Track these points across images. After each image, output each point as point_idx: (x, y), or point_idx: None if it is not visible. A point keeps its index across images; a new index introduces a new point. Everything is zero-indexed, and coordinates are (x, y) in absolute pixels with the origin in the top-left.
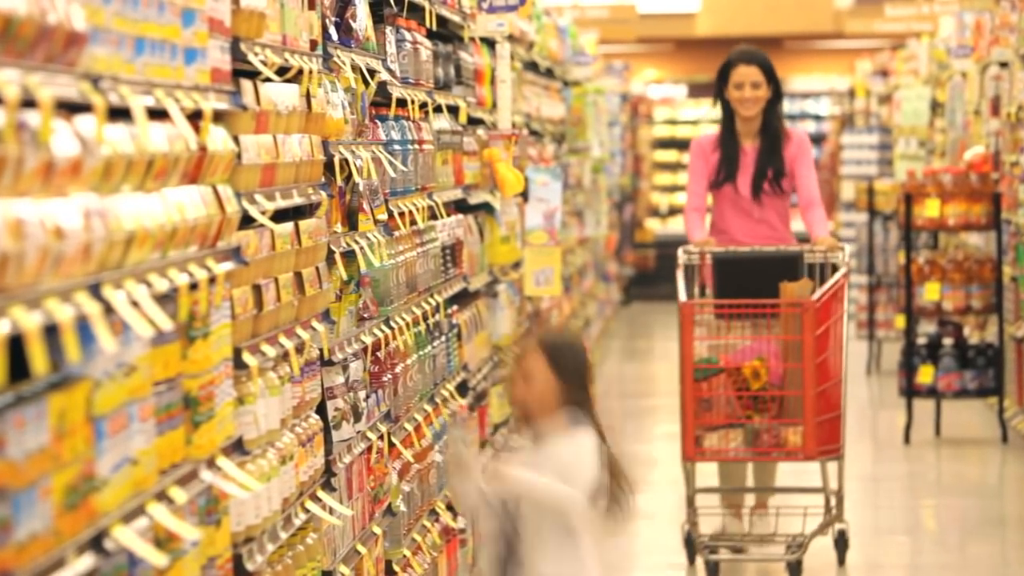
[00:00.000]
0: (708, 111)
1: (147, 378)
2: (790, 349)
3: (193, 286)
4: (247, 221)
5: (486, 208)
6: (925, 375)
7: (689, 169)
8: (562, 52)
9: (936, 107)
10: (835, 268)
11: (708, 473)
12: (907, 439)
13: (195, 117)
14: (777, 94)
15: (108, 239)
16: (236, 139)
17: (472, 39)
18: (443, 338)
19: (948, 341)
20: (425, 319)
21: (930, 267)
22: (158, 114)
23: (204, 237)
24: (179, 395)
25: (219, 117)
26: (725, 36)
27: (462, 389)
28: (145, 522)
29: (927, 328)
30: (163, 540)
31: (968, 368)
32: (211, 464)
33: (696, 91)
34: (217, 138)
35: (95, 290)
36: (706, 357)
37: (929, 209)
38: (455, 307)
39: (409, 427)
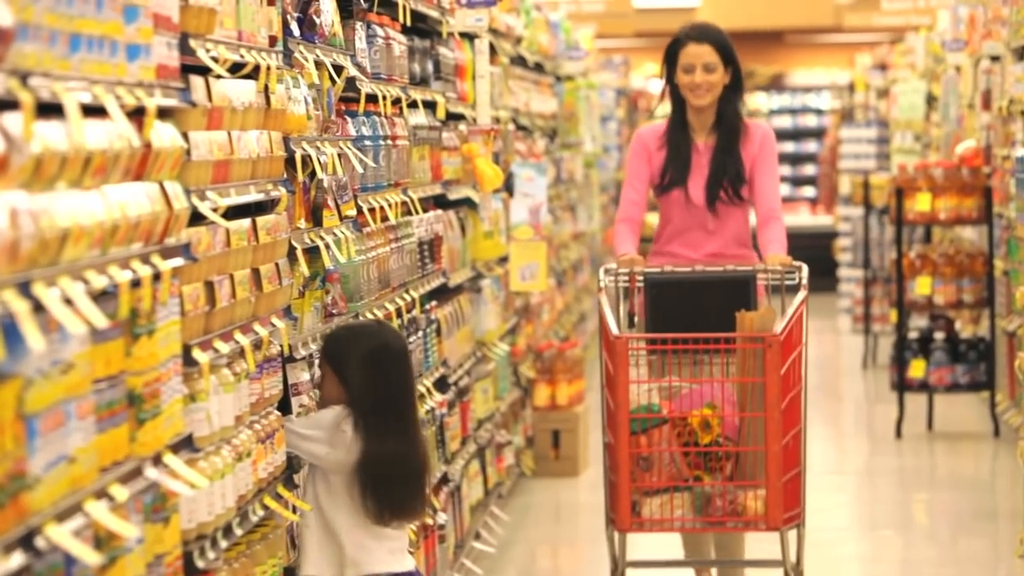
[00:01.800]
0: None
1: (86, 375)
2: (748, 393)
3: (136, 283)
4: (202, 218)
5: (468, 203)
6: (917, 369)
7: (627, 168)
8: (554, 47)
9: (932, 101)
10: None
11: (639, 543)
12: (899, 433)
13: (143, 113)
14: (736, 80)
15: (38, 237)
16: (186, 136)
17: (451, 34)
18: (420, 334)
19: (940, 335)
20: (400, 315)
21: (921, 261)
22: (102, 111)
23: (149, 234)
24: (122, 392)
25: (168, 114)
26: (726, 30)
27: (441, 384)
28: (83, 520)
29: (919, 322)
30: (104, 538)
31: (960, 362)
32: (158, 461)
33: None
34: (164, 135)
35: (24, 288)
36: (645, 405)
37: (920, 203)
38: (434, 303)
39: None
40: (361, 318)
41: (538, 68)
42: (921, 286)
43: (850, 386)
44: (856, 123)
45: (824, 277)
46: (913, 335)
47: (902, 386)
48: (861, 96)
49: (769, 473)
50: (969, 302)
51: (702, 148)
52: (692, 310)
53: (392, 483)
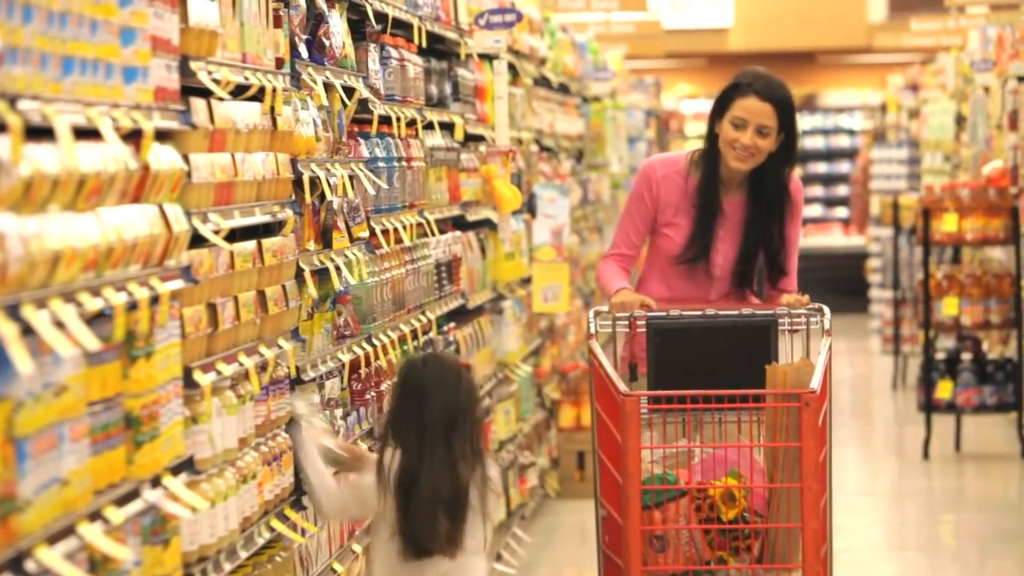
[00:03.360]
0: None
1: (80, 398)
2: (780, 460)
3: (133, 305)
4: (206, 240)
5: (488, 225)
6: (944, 390)
7: (627, 202)
8: (580, 68)
9: (961, 121)
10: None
11: None
12: (926, 454)
13: (141, 136)
14: (788, 148)
15: (27, 259)
16: (186, 158)
17: (469, 56)
18: None
19: (967, 356)
20: (415, 336)
21: (948, 282)
22: (99, 134)
23: (148, 256)
24: (119, 414)
25: (168, 136)
26: (758, 51)
27: None
28: (76, 543)
29: (947, 343)
30: (99, 561)
31: (987, 383)
32: (156, 484)
33: None
34: (163, 157)
35: (13, 311)
36: (659, 474)
37: (947, 224)
38: (452, 324)
39: None
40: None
41: (563, 89)
42: (948, 307)
43: (880, 407)
44: (888, 143)
45: (856, 297)
46: (940, 356)
47: (929, 407)
48: (893, 117)
49: (807, 554)
50: (996, 323)
51: (730, 211)
52: (705, 361)
53: (416, 514)
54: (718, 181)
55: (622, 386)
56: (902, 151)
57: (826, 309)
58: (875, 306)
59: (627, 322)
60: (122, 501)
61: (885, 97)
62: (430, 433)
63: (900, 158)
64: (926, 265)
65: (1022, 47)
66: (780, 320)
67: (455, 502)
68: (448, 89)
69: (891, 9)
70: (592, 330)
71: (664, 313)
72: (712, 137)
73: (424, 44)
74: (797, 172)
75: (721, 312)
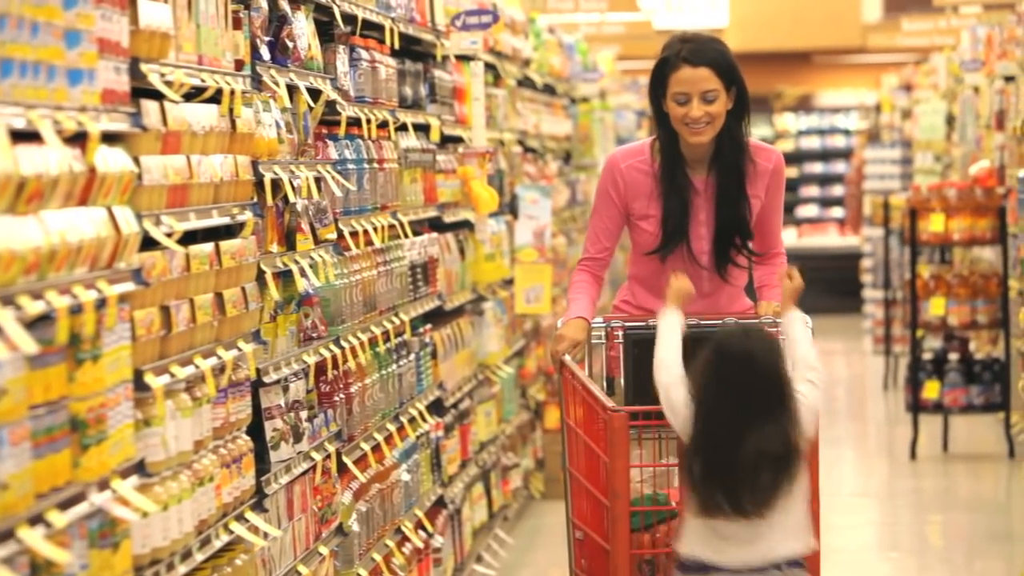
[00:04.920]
0: None
1: (20, 401)
2: None
3: (77, 308)
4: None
5: (468, 226)
6: (931, 391)
7: (594, 201)
8: (568, 69)
9: (952, 121)
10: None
11: None
12: (913, 455)
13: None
14: (740, 103)
15: None
16: (137, 160)
17: (446, 57)
18: (412, 356)
19: (954, 356)
20: (387, 338)
21: (935, 282)
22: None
23: (95, 259)
24: (64, 417)
25: (119, 138)
26: (753, 51)
27: (436, 407)
28: (15, 547)
29: (934, 343)
30: (42, 565)
31: (974, 383)
32: (104, 487)
33: None
34: (111, 159)
35: None
36: (649, 494)
37: (934, 224)
38: (428, 326)
39: (366, 446)
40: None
41: (550, 90)
42: (935, 307)
43: (871, 407)
44: (881, 144)
45: (851, 298)
46: (928, 356)
47: (916, 407)
48: (887, 117)
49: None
50: (983, 323)
51: (701, 188)
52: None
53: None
54: (681, 161)
55: (609, 402)
56: (895, 151)
57: (807, 318)
58: (868, 306)
59: (603, 333)
60: (67, 504)
61: (880, 97)
62: (760, 395)
63: (893, 158)
64: (913, 265)
65: (1010, 47)
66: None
67: (784, 459)
68: (424, 90)
69: (886, 9)
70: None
71: (643, 323)
72: (663, 118)
73: (396, 46)
74: (793, 172)
75: (702, 321)
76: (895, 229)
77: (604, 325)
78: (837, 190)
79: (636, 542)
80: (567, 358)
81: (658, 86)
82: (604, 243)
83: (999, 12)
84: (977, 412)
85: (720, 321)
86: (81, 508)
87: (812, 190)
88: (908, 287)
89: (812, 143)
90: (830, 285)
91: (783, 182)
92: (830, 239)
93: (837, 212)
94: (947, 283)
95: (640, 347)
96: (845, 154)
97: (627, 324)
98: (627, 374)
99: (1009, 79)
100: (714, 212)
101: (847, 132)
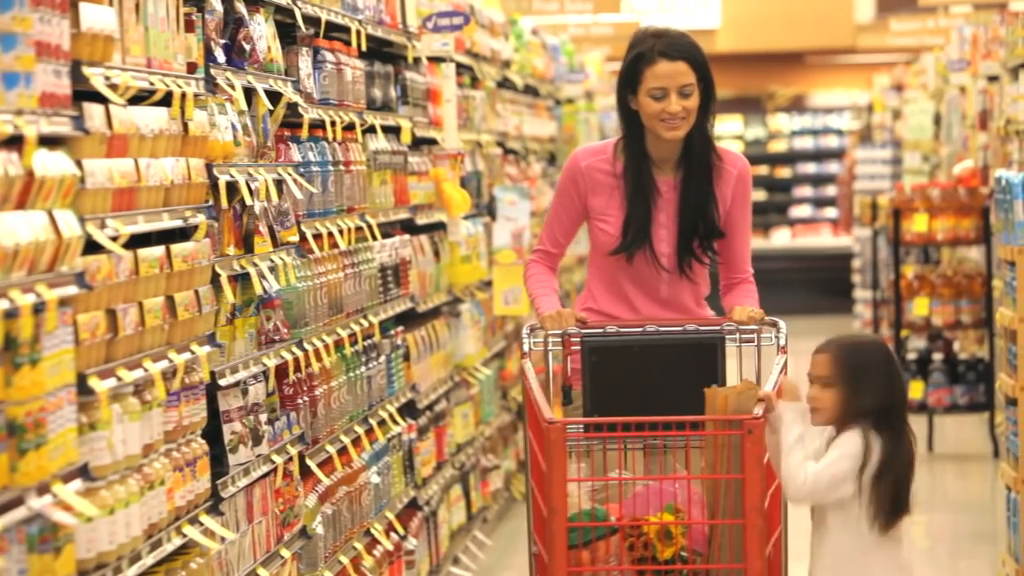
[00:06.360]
0: (729, 126)
1: None
2: (721, 493)
3: (14, 312)
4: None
5: (443, 228)
6: (915, 391)
7: (554, 197)
8: (552, 70)
9: (940, 121)
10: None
11: None
12: None
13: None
14: (707, 99)
15: None
16: (80, 163)
17: (417, 59)
18: (382, 359)
19: (938, 356)
20: (354, 341)
21: (919, 282)
22: None
23: (34, 263)
24: (1, 422)
25: (61, 142)
26: (746, 52)
27: (408, 410)
28: None
29: (919, 343)
30: None
31: (958, 383)
32: (44, 491)
33: (717, 107)
34: (50, 163)
35: None
36: (587, 509)
37: (917, 224)
38: (400, 328)
39: (332, 449)
40: (848, 334)
41: (533, 91)
42: (919, 307)
43: None
44: (872, 144)
45: (843, 298)
46: (912, 356)
47: None
48: (879, 116)
49: None
50: (967, 323)
51: (665, 189)
52: (644, 382)
53: (906, 482)
54: (647, 160)
55: (547, 412)
56: (886, 151)
57: (781, 324)
58: (858, 307)
59: (560, 340)
60: (3, 509)
61: (872, 97)
62: (900, 407)
63: (884, 158)
64: (896, 266)
65: (994, 47)
66: (729, 337)
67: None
68: (395, 92)
69: (878, 9)
70: (526, 348)
71: (601, 329)
72: (630, 115)
73: (364, 48)
74: (787, 172)
75: (663, 328)
76: (881, 229)
77: (561, 333)
78: (830, 190)
79: (574, 559)
80: (527, 364)
81: (630, 82)
82: (560, 239)
83: (988, 12)
84: (962, 412)
85: (680, 328)
86: (19, 513)
87: (806, 190)
88: (891, 287)
89: (806, 143)
90: (823, 285)
91: (749, 193)
92: (823, 239)
93: (831, 212)
94: (931, 283)
95: (598, 354)
96: (838, 154)
97: (583, 332)
98: (584, 383)
99: (993, 79)
100: (677, 212)
101: (840, 132)
